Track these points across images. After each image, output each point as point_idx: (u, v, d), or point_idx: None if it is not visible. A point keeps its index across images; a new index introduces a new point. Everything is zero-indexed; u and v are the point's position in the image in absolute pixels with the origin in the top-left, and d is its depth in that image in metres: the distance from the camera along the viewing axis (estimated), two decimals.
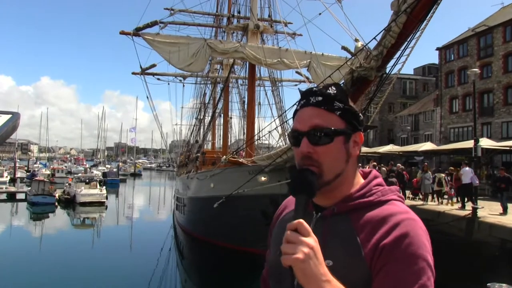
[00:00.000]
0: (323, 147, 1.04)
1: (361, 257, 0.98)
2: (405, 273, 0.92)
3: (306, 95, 1.11)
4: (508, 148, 21.37)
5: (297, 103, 1.14)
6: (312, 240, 0.89)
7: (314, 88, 1.11)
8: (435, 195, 16.70)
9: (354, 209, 1.06)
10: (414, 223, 0.99)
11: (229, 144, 26.00)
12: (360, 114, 1.13)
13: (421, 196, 17.60)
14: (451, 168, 19.12)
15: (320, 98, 1.07)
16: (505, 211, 13.11)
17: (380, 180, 1.14)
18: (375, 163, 22.50)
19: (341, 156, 1.07)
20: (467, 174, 15.09)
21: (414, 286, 0.91)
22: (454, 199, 16.20)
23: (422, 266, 0.92)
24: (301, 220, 0.90)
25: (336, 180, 1.06)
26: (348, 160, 1.09)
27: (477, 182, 15.28)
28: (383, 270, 0.94)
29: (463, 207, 14.43)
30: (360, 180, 1.14)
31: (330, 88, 1.09)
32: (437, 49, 35.23)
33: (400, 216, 1.00)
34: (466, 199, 14.86)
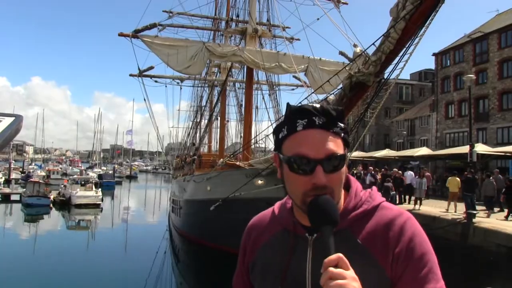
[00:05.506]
0: (335, 174, 0.99)
1: (380, 269, 0.99)
2: (424, 269, 0.98)
3: (307, 114, 1.00)
4: (503, 153, 21.54)
5: (293, 122, 1.01)
6: (353, 273, 0.86)
7: (315, 106, 1.01)
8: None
9: (353, 221, 1.04)
10: (412, 222, 1.03)
11: (225, 147, 25.97)
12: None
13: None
14: (395, 169, 22.24)
15: (325, 119, 0.99)
16: (470, 215, 12.83)
17: (358, 183, 1.14)
18: (371, 167, 22.55)
19: (343, 179, 1.03)
20: (409, 176, 18.15)
21: (435, 276, 0.99)
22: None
23: (433, 258, 1.00)
24: (340, 255, 0.86)
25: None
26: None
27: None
28: (405, 274, 0.98)
29: (407, 202, 17.86)
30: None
31: (326, 105, 1.03)
32: (434, 54, 35.49)
33: (400, 220, 1.03)
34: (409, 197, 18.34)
